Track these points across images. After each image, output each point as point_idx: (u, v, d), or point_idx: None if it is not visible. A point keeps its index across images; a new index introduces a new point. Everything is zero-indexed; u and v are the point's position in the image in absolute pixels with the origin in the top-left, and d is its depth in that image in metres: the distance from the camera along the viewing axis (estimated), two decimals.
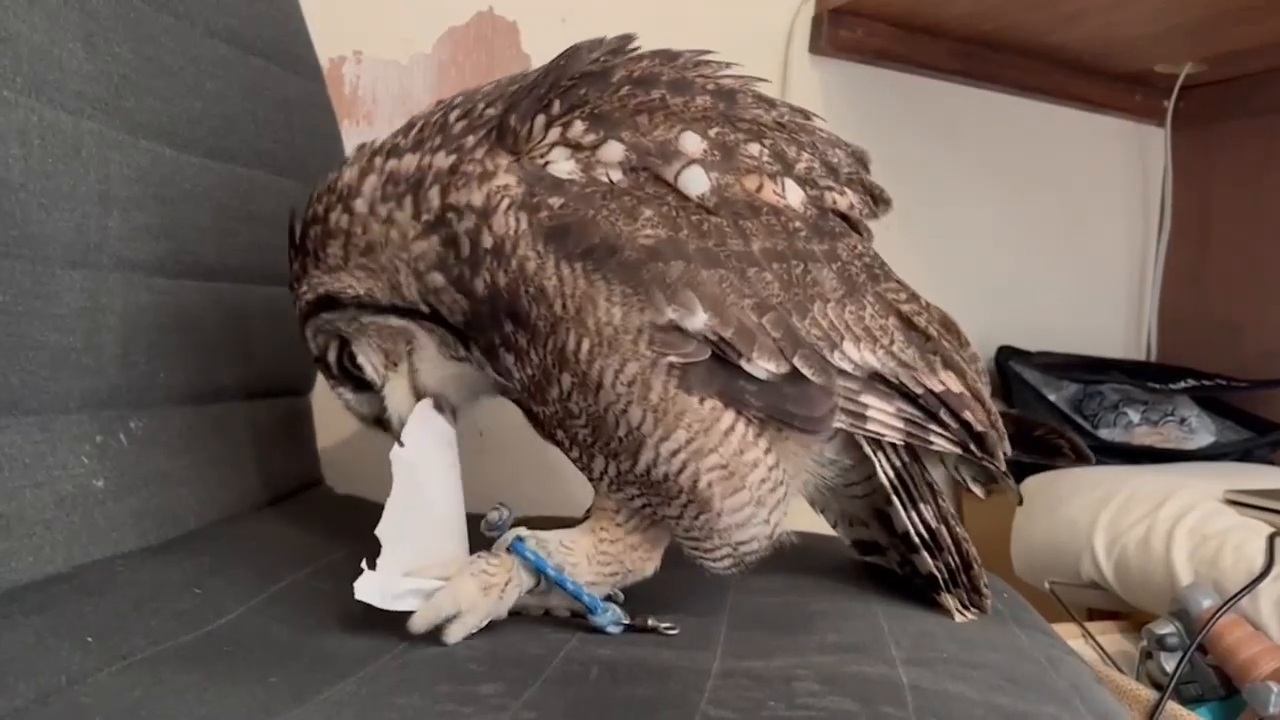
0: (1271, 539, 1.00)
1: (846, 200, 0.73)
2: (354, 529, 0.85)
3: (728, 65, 0.72)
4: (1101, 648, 1.05)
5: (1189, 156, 1.67)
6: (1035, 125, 1.62)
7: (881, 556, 0.84)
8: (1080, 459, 0.84)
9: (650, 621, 0.68)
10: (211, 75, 0.83)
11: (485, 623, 0.65)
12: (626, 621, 0.68)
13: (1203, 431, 1.40)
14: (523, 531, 0.67)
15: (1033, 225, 1.65)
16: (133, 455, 0.72)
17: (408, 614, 0.63)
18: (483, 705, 0.52)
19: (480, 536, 0.69)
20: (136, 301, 0.73)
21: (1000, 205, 1.62)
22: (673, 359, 0.62)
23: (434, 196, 0.64)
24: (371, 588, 0.63)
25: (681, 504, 0.66)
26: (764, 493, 0.67)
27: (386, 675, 0.57)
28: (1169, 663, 0.95)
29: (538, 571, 0.67)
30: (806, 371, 0.65)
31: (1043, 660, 0.69)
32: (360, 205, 0.66)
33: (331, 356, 0.72)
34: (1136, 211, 1.74)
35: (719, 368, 0.63)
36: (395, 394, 0.72)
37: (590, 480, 0.70)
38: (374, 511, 0.96)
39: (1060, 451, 0.84)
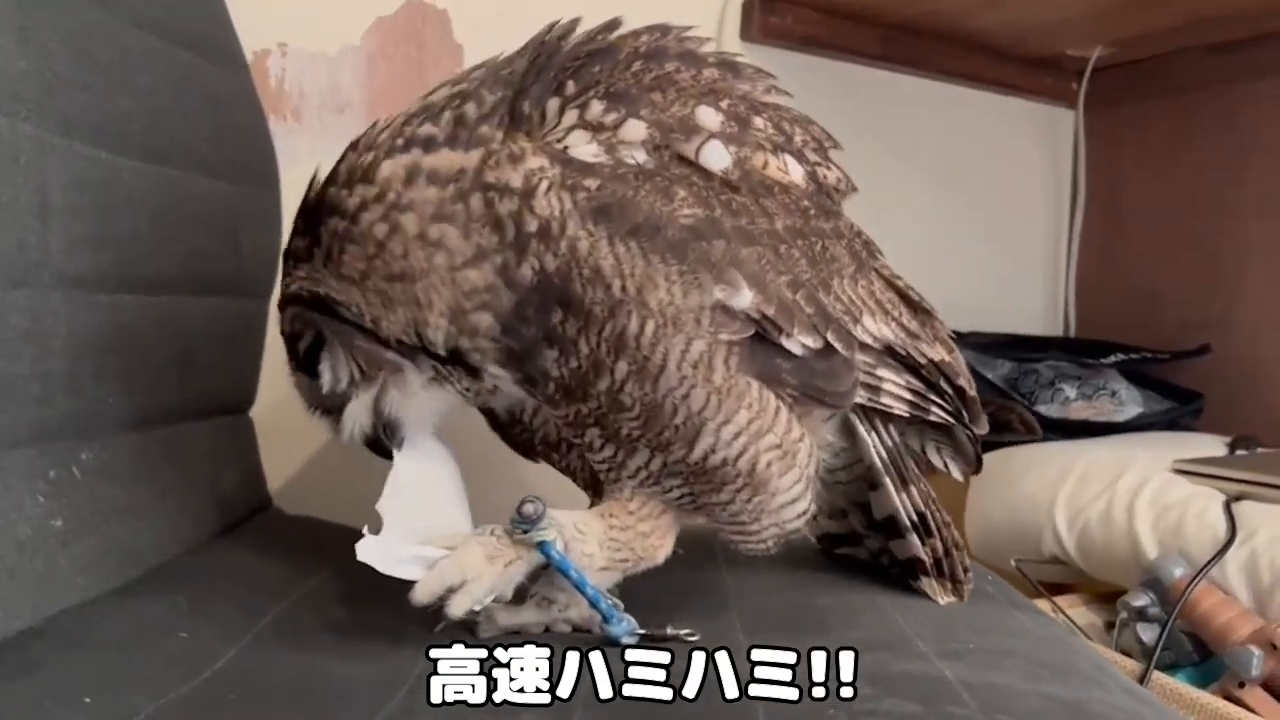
0: (1228, 506, 1.04)
1: (834, 175, 0.73)
2: (321, 554, 0.81)
3: (707, 39, 0.70)
4: (1073, 621, 1.07)
5: (1099, 137, 1.72)
6: (954, 109, 1.65)
7: (852, 548, 0.83)
8: (1029, 432, 0.86)
9: (669, 630, 0.65)
10: (141, 69, 0.77)
11: (490, 598, 0.62)
12: (642, 632, 0.65)
13: (1131, 403, 1.45)
14: (549, 534, 0.63)
15: (954, 208, 1.68)
16: (86, 490, 0.66)
17: (410, 639, 0.60)
18: None
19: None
20: (80, 321, 0.67)
21: (923, 189, 1.64)
22: (727, 338, 0.60)
23: (477, 203, 0.59)
24: (373, 550, 0.60)
25: (735, 489, 0.65)
26: (810, 470, 0.67)
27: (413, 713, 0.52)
28: (1145, 632, 0.97)
29: (561, 573, 0.63)
30: (838, 345, 0.66)
31: (1056, 642, 0.69)
32: (410, 224, 0.59)
33: (302, 344, 0.67)
34: (1050, 191, 1.79)
35: (759, 347, 0.62)
36: (356, 409, 0.67)
37: (613, 482, 0.68)
38: (333, 533, 0.92)
39: (1010, 426, 0.86)
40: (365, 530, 0.61)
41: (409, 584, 0.67)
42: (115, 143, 0.72)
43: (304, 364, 0.67)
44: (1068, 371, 1.43)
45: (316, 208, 0.63)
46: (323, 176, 0.64)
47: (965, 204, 1.69)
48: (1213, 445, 1.32)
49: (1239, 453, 1.28)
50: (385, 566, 0.60)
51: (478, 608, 0.61)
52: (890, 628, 0.67)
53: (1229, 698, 0.88)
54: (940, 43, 1.52)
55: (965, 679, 0.56)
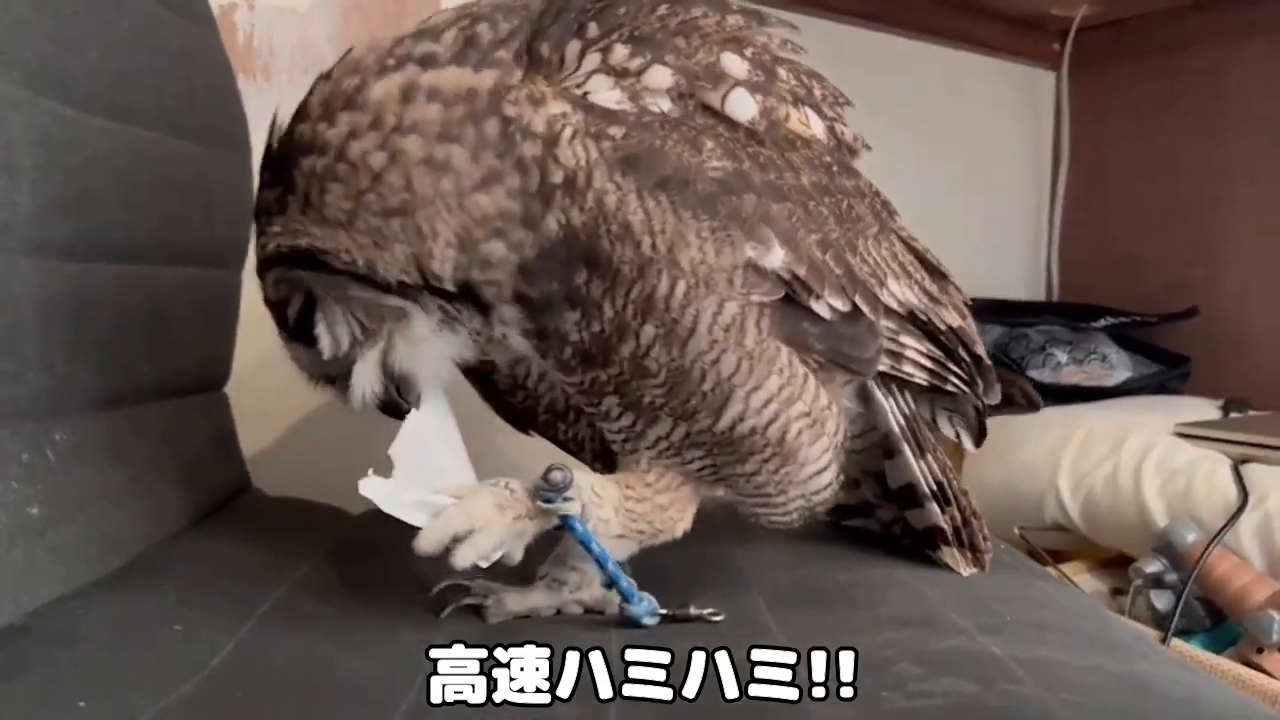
0: (1237, 469, 1.03)
1: (850, 132, 0.69)
2: (309, 538, 0.77)
3: None
4: (1080, 589, 1.06)
5: (1082, 99, 1.70)
6: (936, 70, 1.62)
7: (863, 519, 0.81)
8: (1031, 406, 0.84)
9: (693, 610, 0.61)
10: (107, 20, 0.71)
11: (497, 554, 0.57)
12: (664, 612, 0.61)
13: (1121, 367, 1.44)
14: (574, 507, 0.59)
15: (935, 171, 1.65)
16: (61, 474, 0.61)
17: (413, 628, 0.58)
18: None
19: None
20: (51, 290, 0.61)
21: (903, 151, 1.60)
22: (759, 299, 0.57)
23: (492, 129, 0.54)
24: (378, 488, 0.57)
25: (762, 459, 0.62)
26: (839, 439, 0.64)
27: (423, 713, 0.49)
28: (1159, 599, 0.96)
29: (583, 547, 0.59)
30: (865, 308, 0.63)
31: (1087, 612, 0.68)
32: (414, 147, 0.54)
33: (292, 310, 0.60)
34: (1032, 155, 1.77)
35: (788, 310, 0.59)
36: (364, 371, 0.61)
37: (629, 454, 0.64)
38: (319, 514, 0.88)
39: (1013, 400, 0.84)
40: (370, 471, 0.57)
41: (407, 578, 0.64)
42: (82, 99, 0.67)
43: (297, 332, 0.61)
44: (1058, 336, 1.42)
45: (285, 150, 0.57)
46: (286, 118, 0.58)
47: (946, 167, 1.66)
48: (1206, 409, 1.32)
49: (1234, 415, 1.27)
50: (388, 506, 0.56)
51: (484, 564, 0.57)
52: (919, 602, 0.65)
53: (1247, 663, 0.87)
54: (927, 1, 1.48)
55: (1013, 654, 0.54)
